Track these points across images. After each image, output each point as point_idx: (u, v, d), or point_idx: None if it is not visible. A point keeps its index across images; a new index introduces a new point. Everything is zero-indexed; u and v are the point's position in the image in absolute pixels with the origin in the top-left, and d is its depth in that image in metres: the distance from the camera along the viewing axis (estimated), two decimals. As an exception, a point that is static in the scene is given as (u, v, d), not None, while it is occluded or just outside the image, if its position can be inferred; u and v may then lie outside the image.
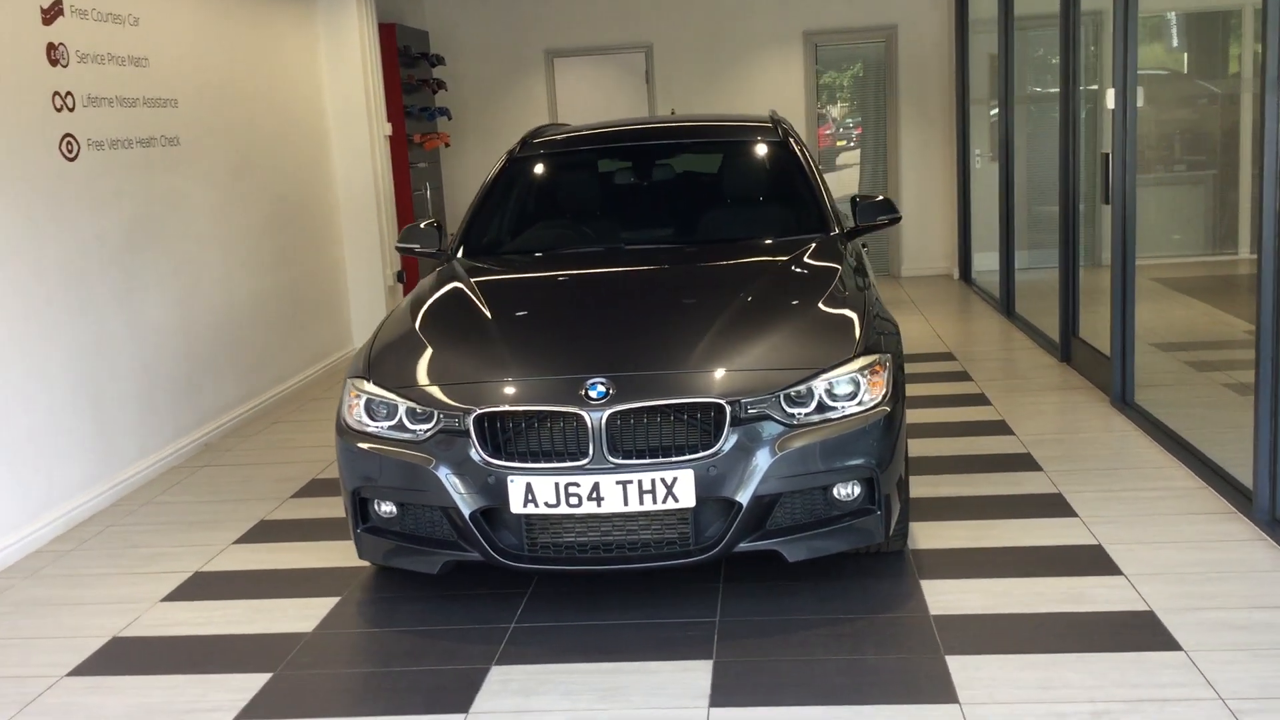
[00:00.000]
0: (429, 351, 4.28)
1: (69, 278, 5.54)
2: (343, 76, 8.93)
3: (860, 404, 3.96)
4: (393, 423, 4.05)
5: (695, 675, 3.59)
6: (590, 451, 3.80)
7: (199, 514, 5.48)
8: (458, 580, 4.39)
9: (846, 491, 3.97)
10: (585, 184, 5.92)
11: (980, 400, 6.68)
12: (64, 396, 5.46)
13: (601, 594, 4.22)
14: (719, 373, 3.94)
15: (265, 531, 5.17)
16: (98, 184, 5.80)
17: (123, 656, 3.99)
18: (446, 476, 3.89)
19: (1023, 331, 8.62)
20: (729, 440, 3.80)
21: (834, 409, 3.93)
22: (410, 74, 10.30)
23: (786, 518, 3.93)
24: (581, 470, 3.80)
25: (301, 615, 4.23)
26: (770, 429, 3.84)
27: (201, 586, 4.58)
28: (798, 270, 4.80)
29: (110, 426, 5.82)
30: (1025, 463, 5.46)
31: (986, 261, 10.30)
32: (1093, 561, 4.26)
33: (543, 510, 3.82)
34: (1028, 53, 9.52)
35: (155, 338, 6.28)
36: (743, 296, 4.42)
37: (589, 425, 3.79)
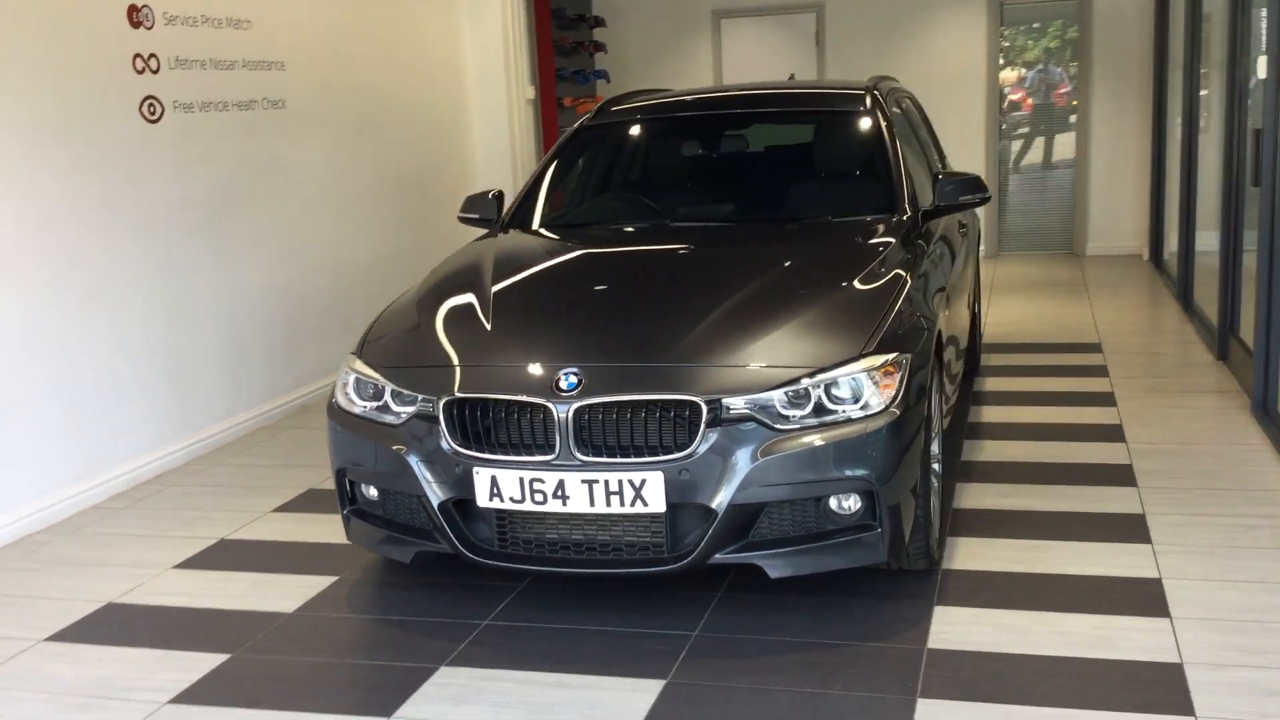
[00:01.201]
0: (422, 332, 4.08)
1: (149, 239, 5.61)
2: (481, 37, 8.83)
3: (865, 407, 3.56)
4: (379, 404, 3.90)
5: (639, 696, 3.30)
6: (557, 446, 3.55)
7: (257, 478, 5.50)
8: (457, 568, 4.22)
9: (847, 504, 3.59)
10: (646, 157, 5.59)
11: (1105, 400, 6.04)
12: (139, 355, 5.55)
13: (591, 594, 3.97)
14: (702, 368, 3.60)
15: (308, 501, 5.14)
16: (184, 146, 5.85)
17: (106, 624, 3.98)
18: (418, 464, 3.71)
19: (1197, 325, 7.79)
20: (705, 442, 3.48)
21: (833, 412, 3.55)
22: (565, 36, 10.14)
23: (773, 529, 3.58)
24: (548, 466, 3.55)
25: (292, 594, 4.14)
26: (754, 431, 3.49)
27: (218, 555, 4.57)
28: (833, 255, 4.37)
29: (190, 386, 5.90)
30: (1121, 475, 4.88)
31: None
32: (1142, 599, 3.73)
33: (508, 505, 3.60)
34: (1221, 14, 8.56)
35: (249, 300, 6.34)
36: (759, 282, 4.05)
37: (556, 418, 3.54)
